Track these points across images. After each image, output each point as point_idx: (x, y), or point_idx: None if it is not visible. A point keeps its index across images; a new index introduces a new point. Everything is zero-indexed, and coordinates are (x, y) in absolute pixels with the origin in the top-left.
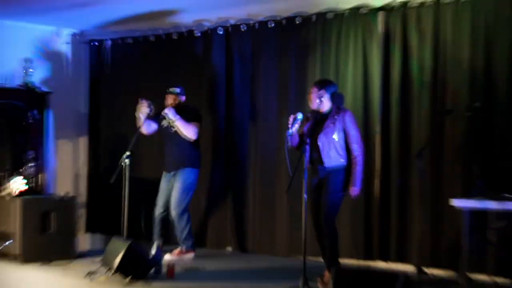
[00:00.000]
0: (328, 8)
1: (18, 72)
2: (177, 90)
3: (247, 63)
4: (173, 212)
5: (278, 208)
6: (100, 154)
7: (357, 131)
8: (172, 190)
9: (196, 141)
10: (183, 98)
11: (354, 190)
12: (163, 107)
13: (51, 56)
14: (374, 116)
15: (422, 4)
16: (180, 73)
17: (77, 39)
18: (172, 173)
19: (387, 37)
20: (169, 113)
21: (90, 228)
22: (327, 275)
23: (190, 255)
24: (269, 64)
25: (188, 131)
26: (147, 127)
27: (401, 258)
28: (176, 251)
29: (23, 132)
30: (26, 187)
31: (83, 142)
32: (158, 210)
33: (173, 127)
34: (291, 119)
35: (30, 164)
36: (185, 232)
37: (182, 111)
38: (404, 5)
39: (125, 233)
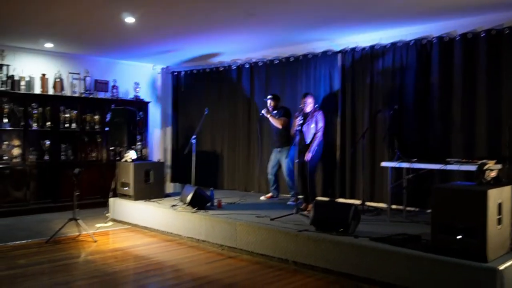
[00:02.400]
0: (308, 51)
1: (131, 90)
2: (269, 97)
3: (262, 86)
4: (285, 174)
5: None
6: (178, 137)
7: (323, 123)
8: (281, 161)
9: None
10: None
11: (308, 155)
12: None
13: (149, 81)
14: (336, 113)
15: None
16: (223, 92)
17: (165, 71)
18: (278, 149)
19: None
20: (263, 112)
21: (173, 179)
22: (304, 205)
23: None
24: (274, 87)
25: (276, 124)
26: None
27: (352, 196)
28: (292, 198)
29: (134, 125)
30: (136, 156)
31: (168, 130)
32: (270, 172)
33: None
34: (297, 120)
35: (138, 143)
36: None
37: (278, 110)
38: (353, 49)
39: (193, 182)
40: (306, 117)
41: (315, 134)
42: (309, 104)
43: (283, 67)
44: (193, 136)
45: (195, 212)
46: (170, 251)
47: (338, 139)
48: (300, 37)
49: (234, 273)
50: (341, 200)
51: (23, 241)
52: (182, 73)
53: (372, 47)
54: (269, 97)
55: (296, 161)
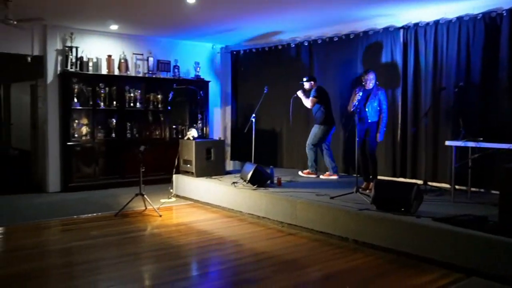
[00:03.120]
0: (368, 28)
1: (192, 69)
2: (304, 79)
3: (322, 64)
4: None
5: (339, 145)
6: (238, 115)
7: (386, 101)
8: (315, 137)
9: (325, 107)
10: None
11: (379, 137)
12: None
13: (209, 60)
14: (397, 92)
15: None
16: (282, 70)
17: (224, 50)
18: (317, 126)
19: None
20: (298, 93)
21: (233, 157)
22: (366, 184)
23: (334, 177)
24: (333, 65)
25: (306, 104)
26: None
27: (414, 175)
28: (326, 173)
29: (196, 103)
30: (198, 134)
31: (228, 109)
32: (307, 147)
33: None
34: (357, 95)
35: (199, 122)
36: (331, 161)
37: (310, 91)
38: (416, 25)
39: (253, 160)
40: (368, 94)
41: (380, 114)
42: (371, 81)
43: (343, 44)
44: (253, 115)
45: (255, 189)
46: (231, 227)
47: (400, 117)
48: (360, 13)
49: (294, 250)
50: (401, 179)
51: (94, 214)
52: (241, 52)
53: (436, 22)
54: (304, 79)
55: (357, 139)
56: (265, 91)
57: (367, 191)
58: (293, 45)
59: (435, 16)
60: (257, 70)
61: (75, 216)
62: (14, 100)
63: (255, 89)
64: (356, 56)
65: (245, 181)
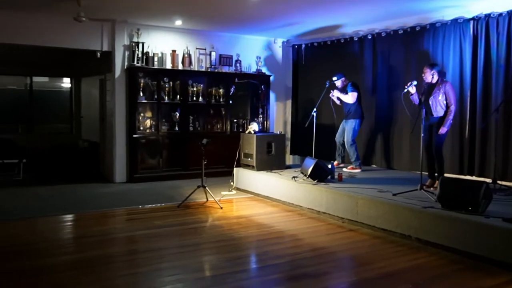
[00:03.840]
0: (435, 20)
1: (253, 64)
2: (334, 78)
3: (385, 58)
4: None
5: (404, 141)
6: (298, 110)
7: (454, 95)
8: (345, 131)
9: (360, 101)
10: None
11: (443, 129)
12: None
13: (271, 54)
14: (465, 86)
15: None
16: (344, 64)
17: (285, 44)
18: (347, 120)
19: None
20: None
21: (293, 151)
22: (430, 182)
23: (358, 171)
24: (398, 58)
25: (347, 100)
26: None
27: (482, 173)
28: (349, 167)
29: (257, 98)
30: (258, 128)
31: (288, 103)
32: (337, 140)
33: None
34: (408, 83)
35: (260, 116)
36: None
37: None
38: (487, 16)
39: (313, 155)
40: (431, 88)
41: (447, 107)
42: (432, 75)
43: (408, 37)
44: (314, 109)
45: (315, 184)
46: (291, 221)
47: (468, 113)
48: (427, 5)
49: (355, 246)
50: (468, 177)
51: (158, 205)
52: (303, 46)
53: (510, 12)
54: (334, 78)
55: (422, 135)
56: (326, 85)
57: (431, 188)
58: (356, 39)
59: (509, 6)
60: (319, 64)
61: (140, 206)
62: (84, 94)
63: (316, 83)
64: (422, 50)
65: (305, 175)
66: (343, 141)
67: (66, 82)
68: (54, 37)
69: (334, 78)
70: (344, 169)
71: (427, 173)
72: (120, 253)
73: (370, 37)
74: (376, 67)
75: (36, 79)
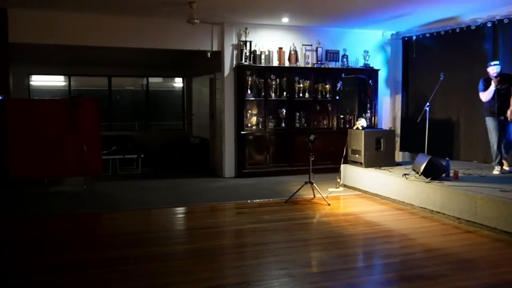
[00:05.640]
0: None
1: (360, 58)
2: (494, 63)
3: (508, 47)
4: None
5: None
6: (409, 104)
7: None
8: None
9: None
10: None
11: None
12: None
13: (379, 48)
14: None
15: None
16: (459, 55)
17: (395, 37)
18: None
19: None
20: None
21: (402, 148)
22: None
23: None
24: None
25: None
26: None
27: None
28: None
29: (365, 93)
30: (366, 124)
31: (398, 98)
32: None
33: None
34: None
35: (368, 111)
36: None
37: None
38: None
39: (426, 151)
40: None
41: None
42: None
43: None
44: (427, 104)
45: (429, 182)
46: (402, 220)
47: None
48: None
49: (473, 248)
50: None
51: (266, 200)
52: (414, 37)
53: None
54: (493, 63)
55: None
56: (441, 78)
57: None
58: (474, 27)
59: None
60: (431, 56)
61: (248, 201)
62: (195, 93)
63: (428, 77)
64: None
65: (417, 173)
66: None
67: (178, 82)
68: (168, 39)
69: (494, 63)
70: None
71: None
72: (230, 245)
73: (490, 25)
74: (497, 58)
75: (151, 79)
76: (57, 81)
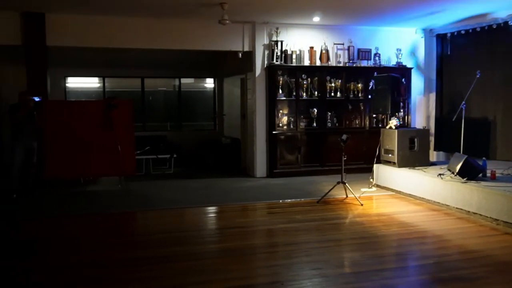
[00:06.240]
0: None
1: (393, 56)
2: None
3: None
4: None
5: None
6: (443, 103)
7: None
8: None
9: None
10: None
11: None
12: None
13: (412, 46)
14: None
15: None
16: (496, 52)
17: (428, 34)
18: None
19: None
20: None
21: (437, 147)
22: None
23: None
24: None
25: None
26: None
27: None
28: None
29: (398, 91)
30: (399, 123)
31: (432, 96)
32: None
33: None
34: None
35: (401, 110)
36: None
37: None
38: None
39: (461, 150)
40: None
41: None
42: None
43: None
44: (463, 102)
45: (465, 182)
46: (437, 221)
47: None
48: None
49: (511, 251)
50: None
51: (298, 200)
52: (448, 34)
53: None
54: None
55: None
56: (477, 76)
57: None
58: (511, 23)
59: None
60: (467, 53)
61: (280, 201)
62: (226, 93)
63: (463, 74)
64: None
65: (453, 173)
66: None
67: (209, 83)
68: (200, 40)
69: None
70: None
71: None
72: (262, 245)
73: None
74: None
75: (183, 80)
76: (92, 82)
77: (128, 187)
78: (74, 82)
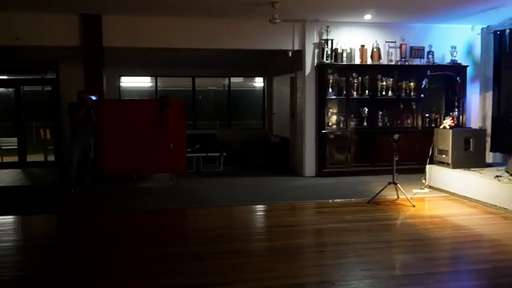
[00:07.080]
0: None
1: (447, 54)
2: None
3: None
4: None
5: None
6: (501, 102)
7: None
8: None
9: None
10: None
11: None
12: None
13: (467, 43)
14: None
15: None
16: None
17: (485, 31)
18: None
19: None
20: None
21: (494, 148)
22: None
23: None
24: None
25: None
26: None
27: None
28: None
29: (452, 90)
30: (454, 123)
31: (488, 95)
32: None
33: None
34: None
35: (455, 110)
36: None
37: None
38: None
39: None
40: None
41: None
42: None
43: None
44: None
45: None
46: (493, 224)
47: None
48: None
49: None
50: None
51: (347, 199)
52: (507, 31)
53: None
54: None
55: None
56: None
57: None
58: None
59: None
60: None
61: (329, 200)
62: (276, 92)
63: None
64: None
65: (511, 175)
66: None
67: (258, 82)
68: (250, 40)
69: None
70: None
71: None
72: (311, 244)
73: None
74: None
75: (233, 79)
76: (144, 82)
77: (179, 184)
78: (128, 82)
